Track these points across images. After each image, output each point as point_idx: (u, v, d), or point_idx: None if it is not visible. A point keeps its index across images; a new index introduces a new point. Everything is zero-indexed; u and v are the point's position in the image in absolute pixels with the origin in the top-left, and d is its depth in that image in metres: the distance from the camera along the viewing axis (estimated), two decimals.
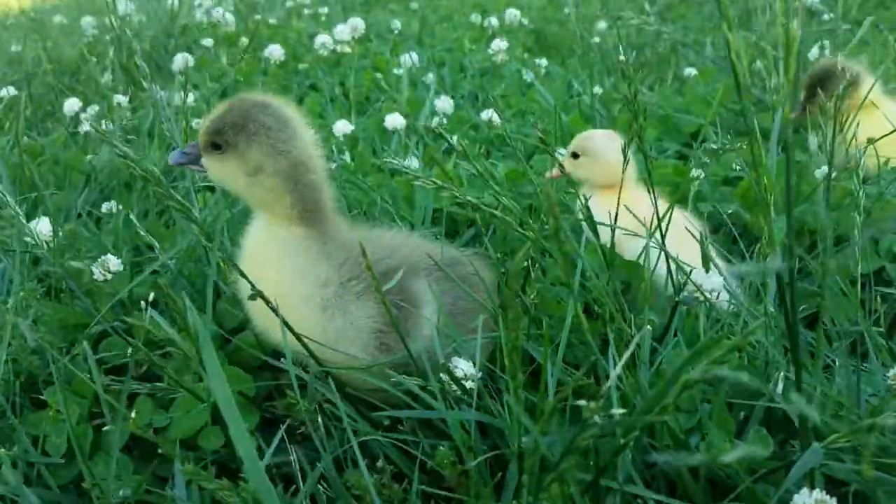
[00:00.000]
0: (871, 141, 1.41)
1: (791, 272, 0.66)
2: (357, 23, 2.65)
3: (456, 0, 4.01)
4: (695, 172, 1.40)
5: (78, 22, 3.84)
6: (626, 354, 0.60)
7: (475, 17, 3.27)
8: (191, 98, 2.04)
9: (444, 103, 1.95)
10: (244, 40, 2.76)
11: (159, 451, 0.93)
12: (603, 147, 1.33)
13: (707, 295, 0.92)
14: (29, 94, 2.24)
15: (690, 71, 2.56)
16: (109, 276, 1.10)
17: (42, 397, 1.04)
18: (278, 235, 0.96)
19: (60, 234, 1.23)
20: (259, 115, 0.93)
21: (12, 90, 2.20)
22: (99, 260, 1.10)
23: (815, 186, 1.37)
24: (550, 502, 0.64)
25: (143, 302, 1.07)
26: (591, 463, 0.74)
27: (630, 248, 1.17)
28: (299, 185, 0.93)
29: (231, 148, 0.93)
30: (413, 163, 1.55)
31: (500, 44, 2.47)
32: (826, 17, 3.12)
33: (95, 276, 1.10)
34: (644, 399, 0.78)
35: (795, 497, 0.68)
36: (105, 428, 0.97)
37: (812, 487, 0.69)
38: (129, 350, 1.07)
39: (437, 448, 0.86)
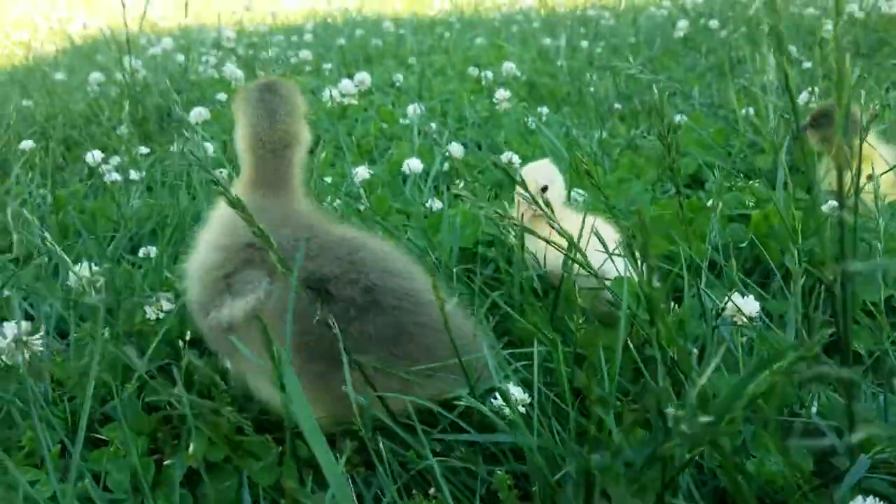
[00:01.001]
0: (870, 177, 1.50)
1: (844, 295, 0.71)
2: (364, 77, 2.76)
3: (448, 56, 4.14)
4: (711, 203, 1.47)
5: (77, 78, 3.93)
6: (710, 368, 0.64)
7: (472, 70, 3.38)
8: (210, 148, 2.10)
9: (456, 149, 2.03)
10: None
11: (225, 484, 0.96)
12: (555, 175, 1.38)
13: (745, 319, 0.98)
14: (46, 147, 2.29)
15: (681, 117, 2.67)
16: (162, 315, 1.13)
17: (98, 435, 1.07)
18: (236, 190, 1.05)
19: (100, 277, 1.27)
20: (252, 93, 1.11)
21: (30, 143, 2.25)
22: (153, 298, 1.14)
23: (823, 220, 1.44)
24: None
25: (181, 342, 1.11)
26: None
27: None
28: (257, 156, 1.07)
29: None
30: (437, 204, 1.62)
31: (503, 93, 2.57)
32: (806, 65, 3.27)
33: (149, 315, 1.13)
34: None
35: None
36: (166, 462, 1.00)
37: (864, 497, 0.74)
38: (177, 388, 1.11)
39: (494, 473, 0.90)
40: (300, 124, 1.11)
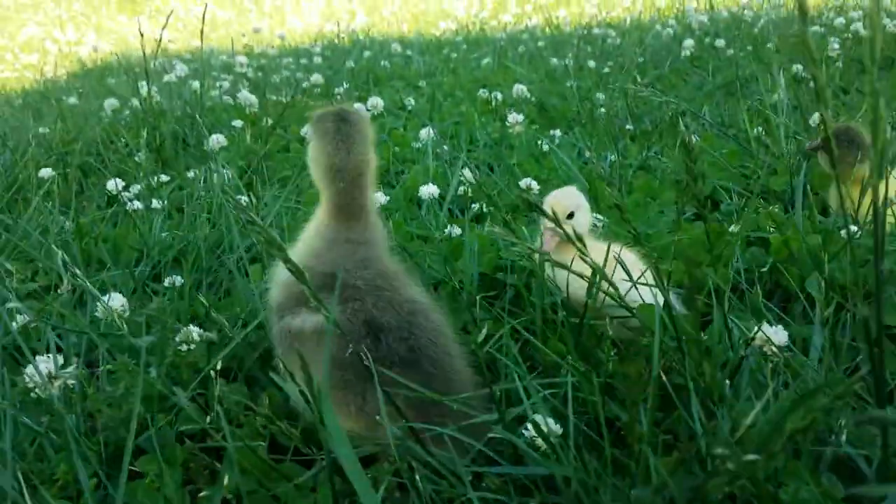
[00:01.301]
0: (891, 202, 1.51)
1: (879, 327, 0.72)
2: (376, 101, 2.78)
3: (456, 77, 4.18)
4: (733, 228, 1.48)
5: (89, 103, 3.97)
6: (757, 409, 0.65)
7: (482, 92, 3.41)
8: (228, 175, 2.13)
9: (468, 174, 2.05)
10: (268, 120, 2.87)
11: None
12: (581, 201, 1.38)
13: (775, 349, 0.99)
14: (64, 174, 2.31)
15: (693, 138, 2.69)
16: (193, 346, 1.15)
17: (131, 468, 1.08)
18: (318, 216, 1.16)
19: (127, 308, 1.28)
20: (328, 122, 1.14)
21: (49, 171, 2.27)
22: (183, 331, 1.15)
23: (842, 245, 1.45)
24: None
25: (213, 372, 1.13)
26: None
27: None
28: (336, 186, 1.12)
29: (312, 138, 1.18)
30: (456, 230, 1.64)
31: (515, 117, 2.59)
32: (811, 84, 3.29)
33: (181, 347, 1.14)
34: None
35: None
36: (201, 494, 1.01)
37: None
38: (208, 419, 1.12)
39: None
40: (372, 151, 1.16)
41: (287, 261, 0.89)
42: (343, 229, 1.13)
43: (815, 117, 2.33)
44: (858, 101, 3.09)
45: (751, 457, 0.59)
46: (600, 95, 3.40)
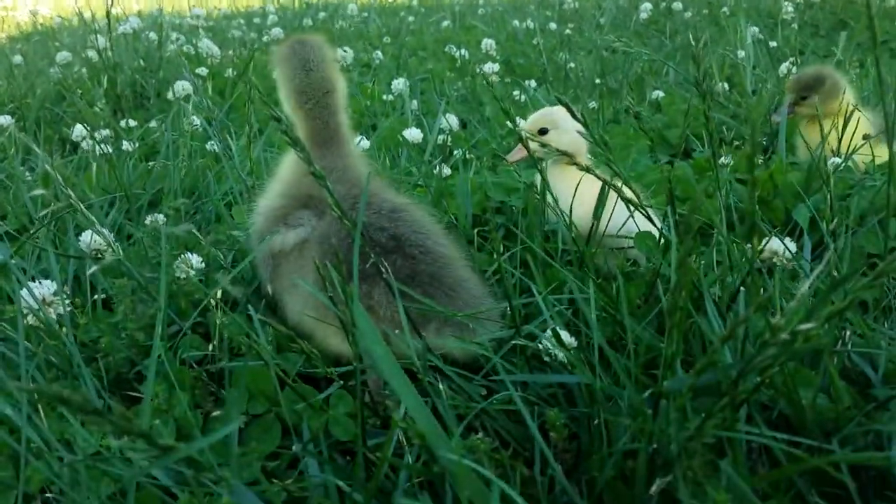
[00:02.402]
0: (866, 137, 1.56)
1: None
2: (344, 52, 2.73)
3: (420, 37, 4.13)
4: (724, 160, 1.50)
5: (36, 64, 3.79)
6: (808, 283, 0.66)
7: (449, 48, 3.39)
8: (196, 120, 2.06)
9: (452, 120, 2.04)
10: (232, 71, 2.79)
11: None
12: (566, 118, 1.36)
13: (783, 261, 1.01)
14: (23, 124, 2.21)
15: (658, 94, 2.72)
16: (192, 273, 1.11)
17: (134, 394, 1.05)
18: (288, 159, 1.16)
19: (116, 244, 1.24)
20: (285, 49, 1.14)
21: (7, 118, 2.17)
22: (181, 258, 1.12)
23: (826, 177, 1.49)
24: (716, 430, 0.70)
25: (212, 301, 1.10)
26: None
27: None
28: (304, 109, 1.11)
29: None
30: (445, 170, 1.62)
31: (491, 66, 2.57)
32: (772, 44, 3.37)
33: (178, 275, 1.11)
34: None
35: None
36: (213, 414, 0.98)
37: None
38: (211, 346, 1.09)
39: (546, 412, 0.91)
40: (334, 72, 1.14)
41: (293, 140, 0.86)
42: (318, 157, 1.12)
43: (784, 67, 2.38)
44: (814, 61, 3.18)
45: (805, 325, 0.60)
46: (563, 55, 3.41)
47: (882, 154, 1.72)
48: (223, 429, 0.64)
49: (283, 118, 0.84)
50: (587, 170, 1.08)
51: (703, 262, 1.24)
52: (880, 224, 1.43)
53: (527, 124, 1.39)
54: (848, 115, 1.46)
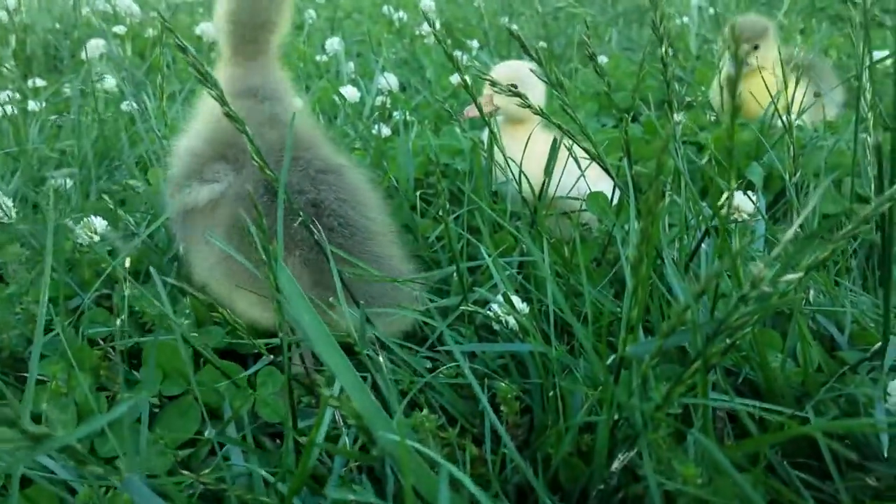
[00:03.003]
0: (818, 94, 1.51)
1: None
2: None
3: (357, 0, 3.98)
4: (677, 117, 1.43)
5: None
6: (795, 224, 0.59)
7: (386, 10, 3.25)
8: (111, 83, 1.90)
9: (391, 79, 1.92)
10: (151, 32, 2.60)
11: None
12: (530, 75, 1.26)
13: (745, 216, 0.95)
14: None
15: (602, 58, 2.65)
16: (97, 239, 0.98)
17: (24, 374, 0.92)
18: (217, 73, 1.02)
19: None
20: None
21: None
22: (83, 221, 0.99)
23: (780, 135, 1.44)
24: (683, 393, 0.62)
25: (120, 268, 0.98)
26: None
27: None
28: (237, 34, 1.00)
29: None
30: (385, 130, 1.52)
31: (427, 28, 2.45)
32: (711, 11, 3.33)
33: (80, 241, 0.98)
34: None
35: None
36: (120, 397, 0.87)
37: None
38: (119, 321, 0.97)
39: (496, 385, 0.83)
40: (285, 5, 1.02)
41: (202, 75, 0.75)
42: (242, 75, 1.01)
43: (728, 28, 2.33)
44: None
45: (792, 276, 0.53)
46: (505, 19, 3.32)
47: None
48: (109, 414, 0.53)
49: (188, 49, 0.72)
50: (542, 113, 0.98)
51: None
52: (835, 184, 1.40)
53: (499, 76, 1.27)
54: (791, 68, 1.41)
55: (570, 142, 1.10)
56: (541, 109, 0.97)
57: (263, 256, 0.72)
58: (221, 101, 0.76)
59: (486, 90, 1.27)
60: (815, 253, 0.64)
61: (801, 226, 1.06)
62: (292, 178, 0.93)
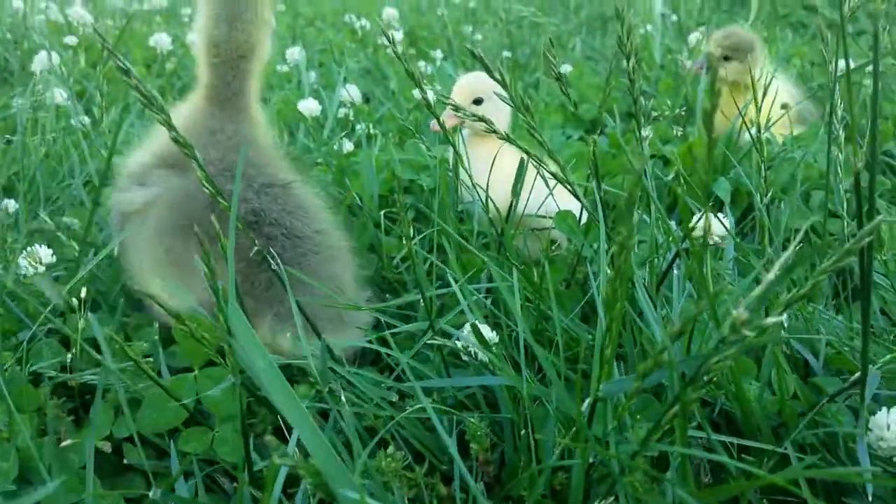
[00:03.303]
0: (784, 107, 1.51)
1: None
2: None
3: (317, 6, 3.92)
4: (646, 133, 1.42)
5: None
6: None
7: (349, 18, 3.20)
8: (63, 96, 1.83)
9: (353, 91, 1.88)
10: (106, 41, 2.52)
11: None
12: (496, 86, 1.26)
13: (716, 239, 0.93)
14: None
15: (566, 67, 2.63)
16: (42, 269, 0.92)
17: None
18: (187, 101, 1.02)
19: None
20: None
21: None
22: (27, 251, 0.93)
23: (747, 150, 1.43)
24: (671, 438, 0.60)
25: (74, 300, 0.93)
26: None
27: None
28: (213, 65, 0.97)
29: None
30: (347, 145, 1.48)
31: (396, 35, 2.41)
32: (673, 18, 3.35)
33: (23, 271, 0.92)
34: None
35: (877, 416, 0.68)
36: (65, 443, 0.81)
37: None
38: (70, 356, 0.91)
39: (465, 421, 0.80)
40: (263, 34, 0.99)
41: (167, 123, 0.71)
42: (209, 116, 0.98)
43: (693, 37, 2.34)
44: None
45: (773, 318, 0.50)
46: (469, 28, 3.30)
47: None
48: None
49: (131, 71, 0.68)
50: (508, 139, 0.95)
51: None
52: (803, 197, 1.39)
53: (457, 92, 1.23)
54: (767, 83, 1.40)
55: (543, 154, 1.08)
56: (507, 135, 0.93)
57: (202, 265, 0.67)
58: (168, 125, 0.71)
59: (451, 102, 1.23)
60: (794, 288, 0.62)
61: (770, 243, 1.05)
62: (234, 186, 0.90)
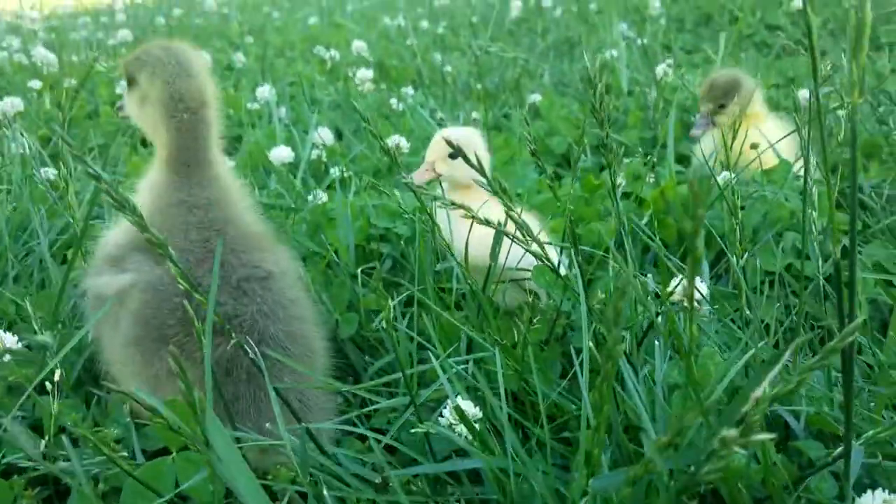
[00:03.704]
0: (754, 146, 1.53)
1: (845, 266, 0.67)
2: (203, 57, 2.48)
3: (286, 36, 3.90)
4: (620, 180, 1.43)
5: None
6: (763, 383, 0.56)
7: (317, 50, 3.19)
8: (27, 143, 1.79)
9: (325, 134, 1.87)
10: (72, 81, 2.49)
11: None
12: (479, 144, 1.24)
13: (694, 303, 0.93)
14: None
15: (536, 97, 2.63)
16: (7, 358, 0.90)
17: None
18: (149, 176, 1.00)
19: None
20: (156, 51, 0.97)
21: None
22: None
23: (720, 193, 1.44)
24: None
25: (48, 384, 0.90)
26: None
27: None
28: (176, 121, 0.95)
29: (134, 81, 0.99)
30: (321, 195, 1.47)
31: (365, 73, 2.41)
32: (638, 42, 3.38)
33: None
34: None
35: (863, 498, 0.69)
36: None
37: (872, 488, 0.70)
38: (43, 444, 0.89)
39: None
40: (210, 83, 0.99)
41: (141, 226, 0.70)
42: (176, 187, 0.96)
43: (660, 69, 2.36)
44: (682, 58, 3.22)
45: (762, 436, 0.50)
46: (438, 56, 3.30)
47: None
48: None
49: (101, 175, 0.66)
50: (492, 224, 0.95)
51: (600, 291, 1.16)
52: (776, 239, 1.41)
53: (435, 146, 1.22)
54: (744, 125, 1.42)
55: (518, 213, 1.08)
56: (488, 179, 0.92)
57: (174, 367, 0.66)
58: (142, 227, 0.70)
59: (429, 156, 1.23)
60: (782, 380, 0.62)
61: (744, 271, 1.05)
62: (209, 277, 0.88)
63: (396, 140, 1.65)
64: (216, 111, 1.01)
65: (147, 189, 1.00)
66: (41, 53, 2.34)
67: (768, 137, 1.55)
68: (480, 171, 0.86)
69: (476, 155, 0.87)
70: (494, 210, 1.13)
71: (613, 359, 0.55)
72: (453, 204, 0.90)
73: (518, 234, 0.97)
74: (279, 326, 0.90)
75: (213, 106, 0.99)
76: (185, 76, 0.95)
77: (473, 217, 0.88)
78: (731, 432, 0.49)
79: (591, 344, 0.84)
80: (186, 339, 0.87)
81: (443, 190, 1.23)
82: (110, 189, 0.66)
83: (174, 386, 0.85)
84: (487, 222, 0.89)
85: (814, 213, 1.10)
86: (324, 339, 0.99)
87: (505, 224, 1.12)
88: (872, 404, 0.94)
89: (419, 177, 1.19)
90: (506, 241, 1.15)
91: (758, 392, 0.50)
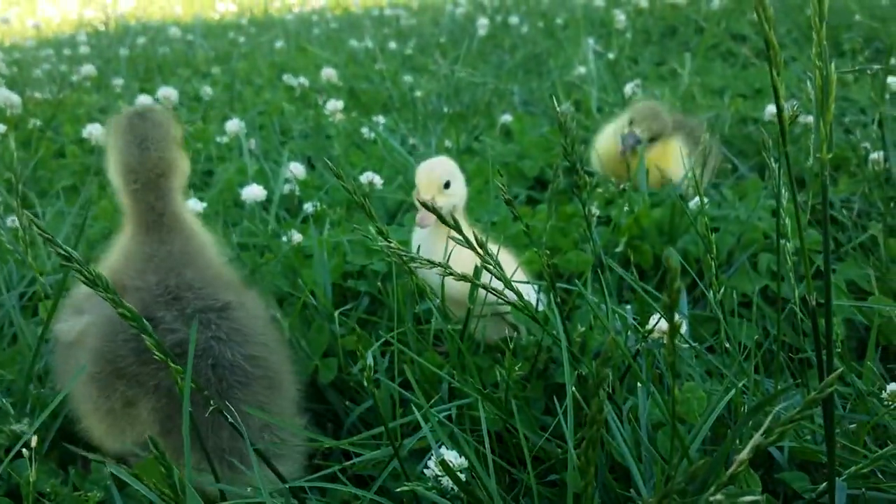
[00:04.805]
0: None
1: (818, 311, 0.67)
2: (168, 92, 2.46)
3: (252, 63, 3.88)
4: (594, 210, 1.44)
5: None
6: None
7: (286, 78, 3.18)
8: None
9: (297, 168, 1.86)
10: (36, 122, 2.45)
11: None
12: (458, 173, 1.22)
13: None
14: None
15: (506, 118, 2.63)
16: None
17: None
18: (123, 233, 1.03)
19: None
20: (123, 119, 1.01)
21: None
22: None
23: (693, 216, 1.45)
24: None
25: (24, 450, 0.88)
26: None
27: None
28: (131, 189, 0.98)
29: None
30: (296, 236, 1.45)
31: (335, 104, 2.40)
32: (611, 55, 3.40)
33: None
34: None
35: None
36: None
37: None
38: None
39: None
40: (175, 151, 1.01)
41: (113, 301, 0.70)
42: (138, 241, 1.00)
43: (629, 88, 2.39)
44: (650, 71, 3.25)
45: (749, 498, 0.50)
46: (408, 78, 3.30)
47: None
48: None
49: (73, 254, 0.65)
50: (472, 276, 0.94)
51: (579, 325, 1.16)
52: (750, 260, 1.42)
53: (425, 181, 1.19)
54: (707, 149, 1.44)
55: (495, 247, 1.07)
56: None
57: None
58: (115, 302, 0.68)
59: (424, 193, 1.19)
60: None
61: (722, 305, 1.06)
62: (165, 316, 0.91)
63: (370, 177, 1.64)
64: (180, 179, 1.03)
65: (118, 247, 1.03)
66: (4, 95, 2.31)
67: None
68: (457, 228, 0.85)
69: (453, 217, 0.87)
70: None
71: (598, 423, 0.55)
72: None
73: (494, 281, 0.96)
74: (238, 350, 0.90)
75: (173, 175, 1.01)
76: (141, 149, 0.98)
77: (451, 273, 0.87)
78: (718, 497, 0.49)
79: (573, 389, 0.84)
80: (140, 369, 0.87)
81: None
82: (83, 269, 0.65)
83: (130, 419, 0.89)
84: (464, 277, 0.88)
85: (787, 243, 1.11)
86: (291, 369, 1.00)
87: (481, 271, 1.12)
88: (853, 425, 0.95)
89: (427, 220, 1.16)
90: (485, 275, 1.15)
91: (744, 455, 0.50)
